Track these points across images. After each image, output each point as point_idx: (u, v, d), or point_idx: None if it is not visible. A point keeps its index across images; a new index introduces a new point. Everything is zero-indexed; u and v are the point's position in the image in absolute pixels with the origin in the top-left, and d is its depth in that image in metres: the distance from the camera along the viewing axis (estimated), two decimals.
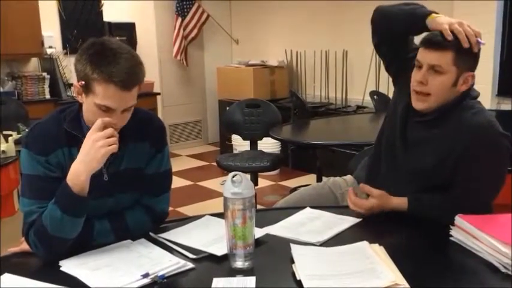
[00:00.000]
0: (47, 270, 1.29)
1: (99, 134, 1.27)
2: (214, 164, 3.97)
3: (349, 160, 2.34)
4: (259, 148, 3.86)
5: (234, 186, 1.23)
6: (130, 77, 1.28)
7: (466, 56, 1.51)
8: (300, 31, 5.54)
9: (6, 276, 1.22)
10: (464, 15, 3.77)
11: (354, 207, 1.60)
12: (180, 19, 5.81)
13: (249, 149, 3.87)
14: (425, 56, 1.52)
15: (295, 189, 4.05)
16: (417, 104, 1.57)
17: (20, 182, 1.42)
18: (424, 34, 1.57)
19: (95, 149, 1.26)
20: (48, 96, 4.90)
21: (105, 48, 1.28)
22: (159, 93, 5.70)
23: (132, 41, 5.65)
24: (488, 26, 3.79)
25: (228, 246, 1.26)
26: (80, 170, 1.28)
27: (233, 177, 1.24)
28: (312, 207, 1.67)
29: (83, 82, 1.29)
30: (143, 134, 1.45)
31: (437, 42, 1.50)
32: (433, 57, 1.50)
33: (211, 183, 4.79)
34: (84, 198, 1.30)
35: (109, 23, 5.52)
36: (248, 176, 3.55)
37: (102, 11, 5.53)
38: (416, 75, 1.55)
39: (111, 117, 1.30)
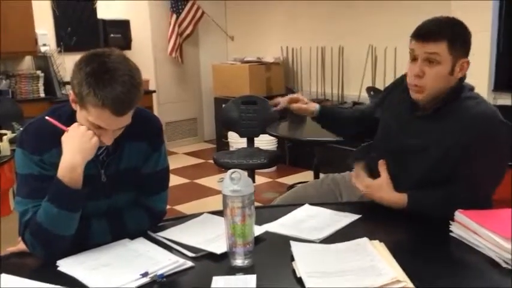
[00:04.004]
0: (45, 270, 1.27)
1: (84, 127, 1.29)
2: (211, 161, 3.96)
3: (346, 157, 2.33)
4: (256, 145, 3.85)
5: (233, 183, 1.22)
6: (125, 103, 1.24)
7: (460, 43, 1.52)
8: (296, 27, 5.52)
9: (4, 276, 1.21)
10: (461, 9, 3.78)
11: (355, 181, 1.64)
12: (175, 16, 5.78)
13: (245, 146, 3.85)
14: (420, 48, 1.52)
15: (292, 186, 4.04)
16: (415, 95, 1.58)
17: (15, 182, 1.40)
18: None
19: (86, 139, 1.28)
20: (42, 94, 4.87)
21: (102, 68, 1.22)
22: (154, 91, 5.68)
23: (126, 38, 5.62)
24: (484, 21, 3.79)
25: (228, 244, 1.25)
26: (76, 162, 1.28)
27: (232, 174, 1.23)
28: (310, 204, 1.66)
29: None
30: (140, 133, 1.43)
31: (431, 32, 1.50)
32: (429, 48, 1.50)
33: (208, 181, 4.78)
34: (80, 191, 1.29)
35: (103, 21, 5.48)
36: (245, 173, 3.55)
37: (96, 8, 5.50)
38: (412, 69, 1.55)
39: (102, 135, 1.30)
